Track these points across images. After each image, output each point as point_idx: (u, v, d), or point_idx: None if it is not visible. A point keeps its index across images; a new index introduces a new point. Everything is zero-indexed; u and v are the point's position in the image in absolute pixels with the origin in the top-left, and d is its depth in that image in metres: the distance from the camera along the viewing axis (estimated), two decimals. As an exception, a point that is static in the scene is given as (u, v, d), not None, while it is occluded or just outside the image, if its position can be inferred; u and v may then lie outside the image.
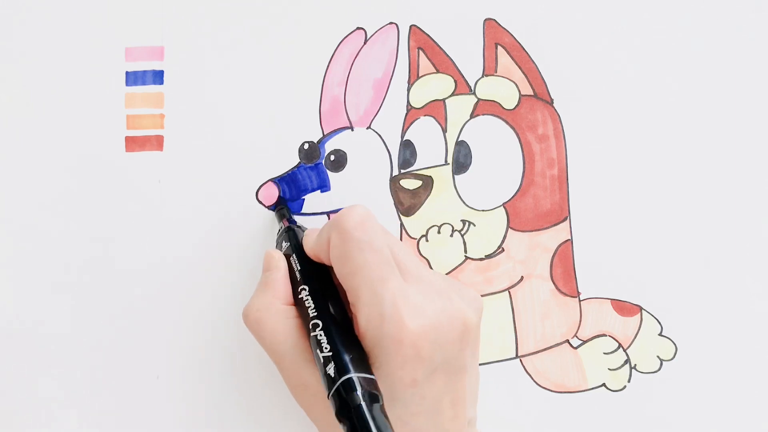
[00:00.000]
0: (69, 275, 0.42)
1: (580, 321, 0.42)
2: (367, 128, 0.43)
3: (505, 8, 0.43)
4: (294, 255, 0.37)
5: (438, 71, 0.43)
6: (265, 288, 0.36)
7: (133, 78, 0.43)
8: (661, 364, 0.42)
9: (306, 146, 0.42)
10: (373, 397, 0.30)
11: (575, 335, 0.42)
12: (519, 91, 0.43)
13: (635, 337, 0.42)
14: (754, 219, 0.42)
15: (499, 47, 0.43)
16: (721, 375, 0.42)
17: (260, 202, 0.42)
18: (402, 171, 0.43)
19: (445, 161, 0.43)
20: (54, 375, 0.42)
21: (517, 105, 0.43)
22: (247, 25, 0.43)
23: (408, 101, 0.43)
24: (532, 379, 0.42)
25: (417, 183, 0.42)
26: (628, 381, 0.42)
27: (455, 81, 0.43)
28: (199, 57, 0.43)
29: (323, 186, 0.42)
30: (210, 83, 0.43)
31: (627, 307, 0.42)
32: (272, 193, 0.42)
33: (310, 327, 0.34)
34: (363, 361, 0.32)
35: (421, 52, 0.43)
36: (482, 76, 0.43)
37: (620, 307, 0.42)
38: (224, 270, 0.42)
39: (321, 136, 0.42)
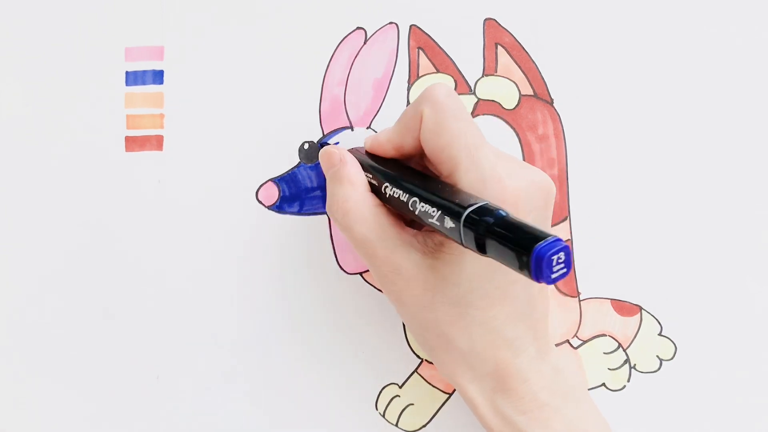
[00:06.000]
0: (68, 275, 0.42)
1: (580, 321, 0.42)
2: (367, 128, 0.42)
3: (505, 8, 0.43)
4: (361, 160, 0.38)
5: (438, 71, 0.43)
6: (341, 181, 0.37)
7: (133, 78, 0.43)
8: (661, 364, 0.42)
9: (306, 146, 0.42)
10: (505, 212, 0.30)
11: (575, 335, 0.42)
12: (519, 91, 0.43)
13: (635, 337, 0.42)
14: (754, 219, 0.42)
15: (499, 47, 0.43)
16: (721, 375, 0.42)
17: (260, 202, 0.42)
18: (402, 171, 0.42)
19: (445, 161, 0.43)
20: (54, 375, 0.42)
21: (517, 105, 0.43)
22: (247, 25, 0.43)
23: (408, 101, 0.43)
24: (532, 379, 0.42)
25: (417, 183, 0.42)
26: (628, 381, 0.42)
27: (455, 81, 0.43)
28: (199, 57, 0.43)
29: (322, 185, 0.42)
30: (210, 83, 0.43)
31: (627, 307, 0.42)
32: (272, 193, 0.42)
33: (410, 206, 0.34)
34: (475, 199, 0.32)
35: (421, 52, 0.43)
36: (482, 76, 0.43)
37: (620, 307, 0.42)
38: (224, 270, 0.42)
39: (321, 136, 0.42)
